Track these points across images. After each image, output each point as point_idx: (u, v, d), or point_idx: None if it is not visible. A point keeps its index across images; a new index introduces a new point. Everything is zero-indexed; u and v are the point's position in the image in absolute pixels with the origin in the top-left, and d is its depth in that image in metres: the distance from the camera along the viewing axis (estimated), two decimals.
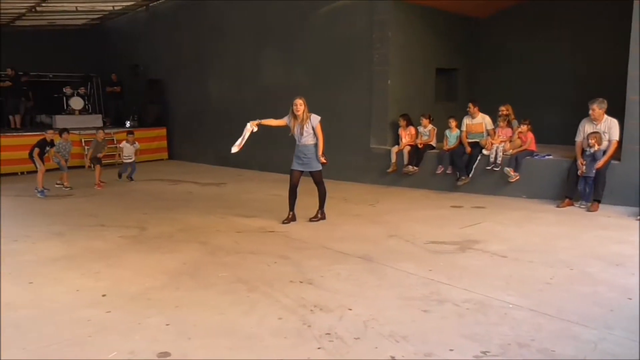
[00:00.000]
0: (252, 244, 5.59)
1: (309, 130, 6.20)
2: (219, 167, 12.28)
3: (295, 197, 6.47)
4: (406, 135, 9.05)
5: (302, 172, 6.35)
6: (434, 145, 8.91)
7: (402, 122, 8.95)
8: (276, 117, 6.38)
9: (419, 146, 8.84)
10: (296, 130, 6.25)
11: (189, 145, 13.72)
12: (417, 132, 9.03)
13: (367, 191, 8.74)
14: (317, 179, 6.39)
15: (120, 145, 9.85)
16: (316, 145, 6.27)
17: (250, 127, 5.98)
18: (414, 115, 9.07)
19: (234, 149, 5.90)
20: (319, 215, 6.58)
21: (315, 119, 6.21)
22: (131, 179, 10.00)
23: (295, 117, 6.18)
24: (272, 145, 9.75)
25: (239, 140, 5.89)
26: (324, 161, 6.32)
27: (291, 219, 6.50)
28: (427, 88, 9.79)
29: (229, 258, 5.10)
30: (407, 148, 8.98)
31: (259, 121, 6.05)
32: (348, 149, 9.63)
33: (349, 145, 9.62)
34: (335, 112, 9.52)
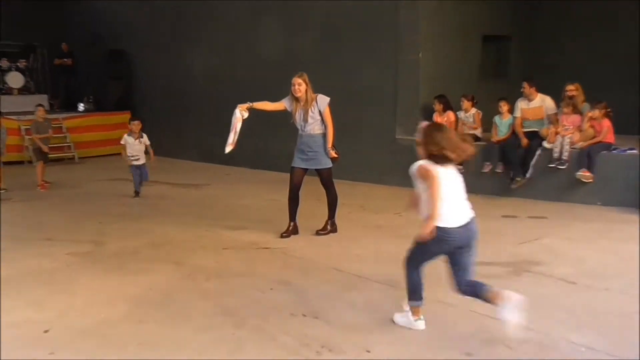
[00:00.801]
0: (241, 265, 5.64)
1: (315, 115, 6.27)
2: (202, 163, 12.35)
3: (298, 203, 6.54)
4: (442, 122, 8.81)
5: (306, 170, 6.42)
6: (480, 135, 9.00)
7: (438, 106, 9.08)
8: (275, 100, 6.46)
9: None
10: (298, 116, 6.32)
11: (162, 135, 13.38)
12: (457, 118, 9.17)
13: (392, 195, 8.73)
14: (326, 179, 6.45)
15: (122, 142, 9.01)
16: (324, 135, 6.34)
17: (240, 114, 6.02)
18: (453, 97, 9.07)
19: (228, 149, 6.01)
20: (329, 227, 6.67)
21: (323, 101, 6.27)
22: (137, 194, 9.37)
23: (296, 99, 6.27)
24: (267, 136, 9.93)
25: (231, 135, 5.98)
26: (335, 156, 6.38)
27: (292, 231, 6.59)
28: (469, 62, 9.84)
29: (211, 283, 5.14)
30: None
31: (250, 104, 6.11)
32: (367, 141, 9.61)
33: (369, 135, 9.62)
34: (351, 94, 9.51)
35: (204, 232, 6.93)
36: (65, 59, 15.63)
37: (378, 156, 9.61)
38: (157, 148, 12.97)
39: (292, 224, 6.60)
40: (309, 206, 6.95)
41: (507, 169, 8.40)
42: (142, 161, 8.90)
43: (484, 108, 9.01)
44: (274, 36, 10.98)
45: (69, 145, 13.32)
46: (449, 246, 3.63)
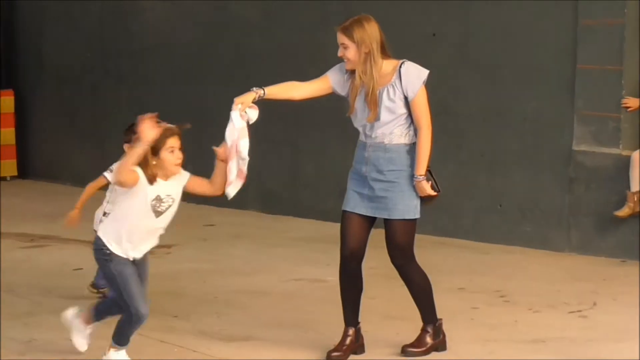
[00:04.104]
0: None
1: (395, 106, 5.47)
2: None
3: (360, 288, 5.67)
4: None
5: (372, 220, 5.58)
6: None
7: None
8: (301, 80, 5.76)
9: None
10: (360, 107, 5.53)
11: (68, 143, 12.17)
12: None
13: (565, 273, 7.76)
14: (401, 242, 5.57)
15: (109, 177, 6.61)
16: (412, 147, 5.55)
17: (241, 118, 5.20)
18: None
19: (231, 190, 5.13)
20: (428, 340, 5.65)
21: (414, 75, 5.45)
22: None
23: (355, 74, 5.50)
24: (299, 147, 9.44)
25: (232, 165, 5.13)
26: (432, 193, 5.51)
27: (351, 346, 5.63)
28: None
29: None
30: None
31: (258, 92, 5.27)
32: (509, 159, 8.66)
33: (512, 147, 8.64)
34: (483, 66, 8.61)
35: (164, 349, 5.81)
36: None
37: (532, 190, 8.44)
38: (54, 166, 12.12)
39: (350, 331, 5.59)
40: (385, 287, 6.38)
41: None
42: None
43: None
44: None
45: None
46: None
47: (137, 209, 4.54)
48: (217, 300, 6.99)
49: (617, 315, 6.49)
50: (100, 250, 4.59)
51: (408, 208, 5.43)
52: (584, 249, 8.13)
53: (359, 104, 5.45)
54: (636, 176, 7.79)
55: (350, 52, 5.34)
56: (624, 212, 7.86)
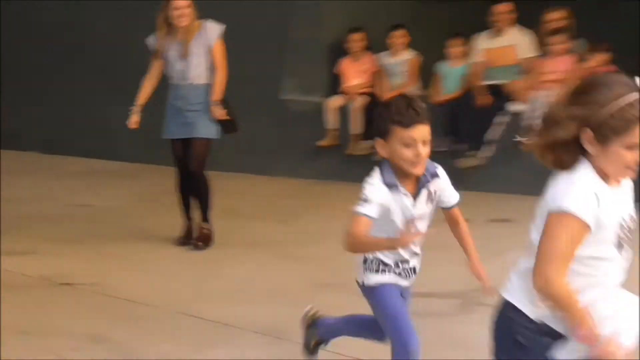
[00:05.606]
0: (22, 315, 5.34)
1: (200, 52, 6.59)
2: None
3: (192, 188, 6.90)
4: (355, 73, 8.80)
5: (187, 141, 6.75)
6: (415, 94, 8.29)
7: (354, 45, 8.77)
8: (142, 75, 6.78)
9: (383, 96, 8.43)
10: (172, 56, 6.65)
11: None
12: (377, 66, 8.92)
13: (278, 192, 8.91)
14: (197, 155, 6.69)
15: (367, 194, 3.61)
16: (209, 86, 6.68)
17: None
18: (376, 32, 8.88)
19: None
20: (206, 232, 6.91)
21: (214, 29, 6.63)
22: None
23: (169, 30, 6.54)
24: (62, 96, 9.78)
25: None
26: (224, 116, 6.64)
27: (187, 234, 6.93)
28: None
29: None
30: (359, 100, 8.74)
31: (137, 108, 6.71)
32: (238, 107, 8.98)
33: (242, 98, 8.77)
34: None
35: None
36: None
37: (256, 131, 9.28)
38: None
39: (188, 223, 6.92)
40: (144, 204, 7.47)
41: (455, 143, 8.26)
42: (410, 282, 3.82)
43: (425, 48, 8.83)
44: None
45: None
46: None
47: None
48: (2, 223, 7.42)
49: (313, 223, 7.66)
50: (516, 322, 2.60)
51: (208, 129, 6.63)
52: (294, 173, 9.29)
53: (172, 55, 6.56)
54: (330, 117, 9.04)
55: (189, 13, 6.42)
56: (324, 142, 9.19)
